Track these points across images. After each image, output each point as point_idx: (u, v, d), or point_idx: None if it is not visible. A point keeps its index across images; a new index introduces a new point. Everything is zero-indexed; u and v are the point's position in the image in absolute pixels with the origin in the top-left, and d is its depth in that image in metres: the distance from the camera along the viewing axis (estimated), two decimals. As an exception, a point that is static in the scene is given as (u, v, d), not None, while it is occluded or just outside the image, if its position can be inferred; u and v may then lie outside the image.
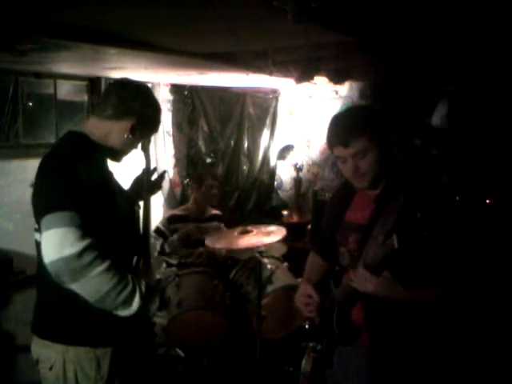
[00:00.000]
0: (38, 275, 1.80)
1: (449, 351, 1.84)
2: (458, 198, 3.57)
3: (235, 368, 3.42)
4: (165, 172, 2.19)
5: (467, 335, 2.95)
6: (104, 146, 1.84)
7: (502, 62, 3.29)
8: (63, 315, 1.75)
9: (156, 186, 2.18)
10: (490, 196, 3.70)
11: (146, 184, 2.07)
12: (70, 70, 3.79)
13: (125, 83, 1.91)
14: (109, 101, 1.84)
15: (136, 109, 1.84)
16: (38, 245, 1.75)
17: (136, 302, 1.71)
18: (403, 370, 1.72)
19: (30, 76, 3.71)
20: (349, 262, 1.79)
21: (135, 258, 1.97)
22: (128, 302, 1.70)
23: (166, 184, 4.82)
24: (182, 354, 3.39)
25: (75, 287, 1.62)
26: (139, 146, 2.01)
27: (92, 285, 1.62)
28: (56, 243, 1.57)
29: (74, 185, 1.65)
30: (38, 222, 1.68)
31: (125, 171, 2.34)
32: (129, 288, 1.69)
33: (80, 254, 1.57)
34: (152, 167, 2.12)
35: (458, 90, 4.10)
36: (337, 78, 3.60)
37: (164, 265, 3.79)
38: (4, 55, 2.80)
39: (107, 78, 4.13)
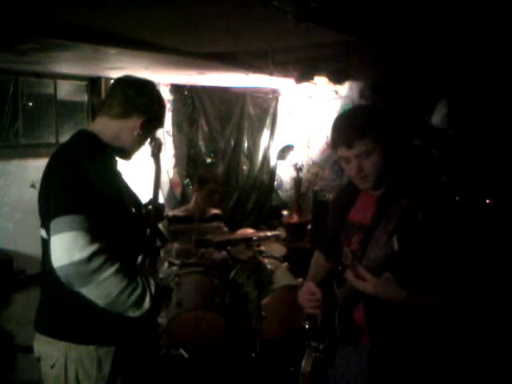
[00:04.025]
0: (42, 273, 1.79)
1: (450, 352, 1.84)
2: (458, 197, 3.56)
3: (235, 368, 3.42)
4: (163, 205, 2.24)
5: (468, 336, 2.95)
6: (113, 146, 1.84)
7: (502, 62, 3.29)
8: (67, 313, 1.75)
9: (160, 217, 2.21)
10: (490, 196, 3.70)
11: (154, 211, 2.09)
12: (70, 70, 3.79)
13: (129, 80, 1.91)
14: (115, 99, 1.83)
15: (143, 105, 1.83)
16: (43, 241, 1.75)
17: (147, 303, 1.71)
18: (404, 371, 1.72)
19: (30, 76, 3.72)
20: (352, 262, 1.79)
21: (140, 257, 1.97)
22: (139, 303, 1.70)
23: (165, 184, 4.82)
24: (185, 354, 3.38)
25: (85, 291, 1.62)
26: (149, 153, 2.02)
27: (102, 288, 1.62)
28: (66, 248, 1.57)
29: (83, 186, 1.65)
30: (45, 221, 1.67)
31: (134, 175, 2.36)
32: (139, 289, 1.69)
33: (89, 259, 1.57)
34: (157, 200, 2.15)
35: (458, 89, 4.10)
36: (337, 77, 3.60)
37: (166, 264, 3.78)
38: (4, 55, 2.81)
39: (107, 78, 4.13)
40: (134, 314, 1.71)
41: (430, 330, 1.73)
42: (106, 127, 1.83)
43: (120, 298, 1.65)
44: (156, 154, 2.07)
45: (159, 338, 3.12)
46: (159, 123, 1.97)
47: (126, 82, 1.89)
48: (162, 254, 3.68)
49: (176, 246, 3.69)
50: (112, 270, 1.61)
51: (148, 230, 2.07)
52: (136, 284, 1.69)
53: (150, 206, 2.11)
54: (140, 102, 1.83)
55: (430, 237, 1.45)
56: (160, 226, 3.77)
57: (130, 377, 1.85)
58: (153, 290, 1.75)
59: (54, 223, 1.59)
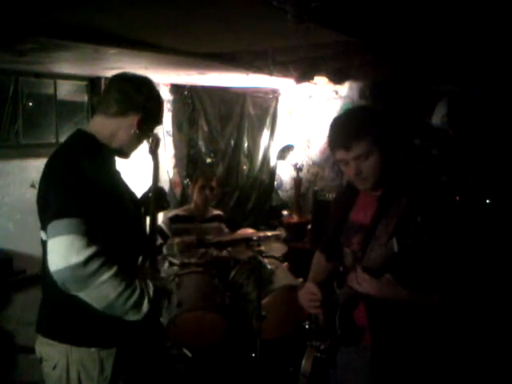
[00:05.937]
0: (43, 274, 1.78)
1: (451, 352, 1.84)
2: (458, 198, 3.57)
3: (235, 368, 3.42)
4: (163, 189, 2.20)
5: (468, 336, 2.95)
6: (111, 145, 1.81)
7: (502, 61, 3.29)
8: (68, 315, 1.74)
9: (163, 204, 2.17)
10: (490, 196, 3.70)
11: (154, 199, 2.05)
12: (70, 70, 3.80)
13: (125, 77, 1.86)
14: (112, 97, 1.80)
15: (141, 102, 1.80)
16: (43, 244, 1.74)
17: (145, 307, 1.70)
18: (405, 371, 1.72)
19: (30, 76, 3.72)
20: (352, 262, 1.79)
21: (141, 258, 1.96)
22: (137, 306, 1.69)
23: (165, 184, 4.82)
24: (189, 353, 3.37)
25: (82, 295, 1.61)
26: (147, 149, 1.99)
27: (99, 292, 1.61)
28: (62, 251, 1.56)
29: (81, 188, 1.63)
30: (44, 224, 1.67)
31: (132, 172, 2.34)
32: (137, 293, 1.68)
33: (86, 263, 1.56)
34: (158, 184, 2.11)
35: (458, 89, 4.10)
36: (337, 77, 3.60)
37: (166, 264, 3.79)
38: (4, 55, 2.81)
39: (107, 78, 4.13)
40: (133, 317, 1.70)
41: (433, 330, 1.73)
42: (103, 126, 1.81)
43: (117, 302, 1.64)
44: (154, 151, 2.02)
45: (164, 339, 3.12)
46: (157, 121, 1.93)
47: (123, 80, 1.84)
48: (164, 250, 3.68)
49: (177, 239, 3.68)
50: (109, 273, 1.60)
51: (148, 221, 2.04)
52: (134, 288, 1.68)
53: (150, 194, 2.06)
54: (137, 99, 1.79)
55: (430, 238, 1.46)
56: (162, 224, 3.79)
57: (132, 377, 1.85)
58: (151, 293, 1.73)
59: (51, 226, 1.59)
